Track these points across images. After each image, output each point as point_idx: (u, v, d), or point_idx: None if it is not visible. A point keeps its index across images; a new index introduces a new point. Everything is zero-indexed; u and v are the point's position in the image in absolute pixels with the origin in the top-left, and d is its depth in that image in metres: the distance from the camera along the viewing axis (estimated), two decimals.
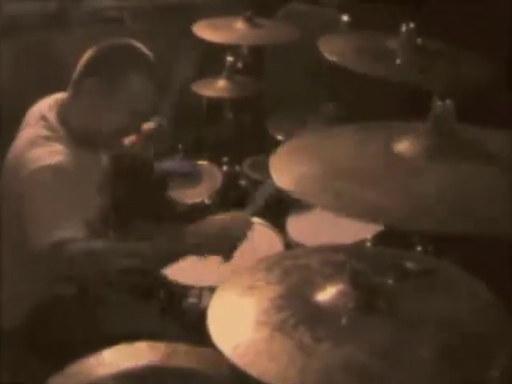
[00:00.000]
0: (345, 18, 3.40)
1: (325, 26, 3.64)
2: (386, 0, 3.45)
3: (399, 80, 2.35)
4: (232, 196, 3.34)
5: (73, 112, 2.37)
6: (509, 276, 2.47)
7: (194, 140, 3.79)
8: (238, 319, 1.36)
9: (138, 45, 2.43)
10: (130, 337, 1.78)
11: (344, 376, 1.19)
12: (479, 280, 1.46)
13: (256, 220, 2.74)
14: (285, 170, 1.43)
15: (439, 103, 1.41)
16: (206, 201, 3.14)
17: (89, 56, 2.39)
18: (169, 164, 3.38)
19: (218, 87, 3.54)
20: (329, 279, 1.39)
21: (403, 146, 1.41)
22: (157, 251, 2.25)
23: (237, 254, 2.44)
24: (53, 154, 2.24)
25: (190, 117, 3.86)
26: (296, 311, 1.33)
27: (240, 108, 3.78)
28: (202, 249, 2.26)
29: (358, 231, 2.48)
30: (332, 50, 2.45)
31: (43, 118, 2.36)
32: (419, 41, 2.42)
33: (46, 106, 2.42)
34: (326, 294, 1.35)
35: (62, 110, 2.38)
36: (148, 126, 2.84)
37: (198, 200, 3.14)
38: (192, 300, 2.46)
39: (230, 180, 3.39)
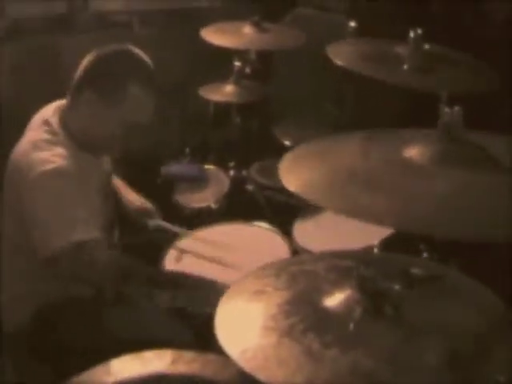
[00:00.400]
0: (352, 23, 3.40)
1: (332, 31, 3.64)
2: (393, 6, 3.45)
3: (407, 85, 2.36)
4: (239, 201, 3.34)
5: (72, 118, 2.37)
6: None
7: (201, 144, 3.79)
8: (245, 324, 1.36)
9: (138, 52, 2.41)
10: (137, 341, 1.78)
11: (352, 381, 1.19)
12: (485, 286, 1.46)
13: (263, 225, 2.75)
14: (294, 175, 1.44)
15: (447, 110, 1.41)
16: (213, 205, 3.14)
17: (87, 64, 2.38)
18: (176, 168, 3.38)
19: (225, 92, 3.54)
20: (336, 285, 1.39)
21: (412, 152, 1.42)
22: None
23: (244, 260, 2.46)
24: (55, 157, 2.25)
25: (198, 121, 3.87)
26: (304, 317, 1.33)
27: (247, 113, 3.78)
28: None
29: (365, 237, 2.47)
30: (340, 55, 2.45)
31: (46, 122, 2.37)
32: (427, 46, 2.43)
33: (50, 110, 2.43)
34: (334, 300, 1.35)
35: (63, 116, 2.39)
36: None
37: (204, 204, 3.14)
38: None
39: (237, 184, 3.38)
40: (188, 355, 1.66)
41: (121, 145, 2.45)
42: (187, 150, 3.52)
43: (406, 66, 2.37)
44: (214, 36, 3.32)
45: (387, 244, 2.47)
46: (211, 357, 1.63)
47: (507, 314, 1.37)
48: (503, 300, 1.41)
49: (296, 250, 2.59)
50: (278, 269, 1.53)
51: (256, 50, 3.58)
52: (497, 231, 1.24)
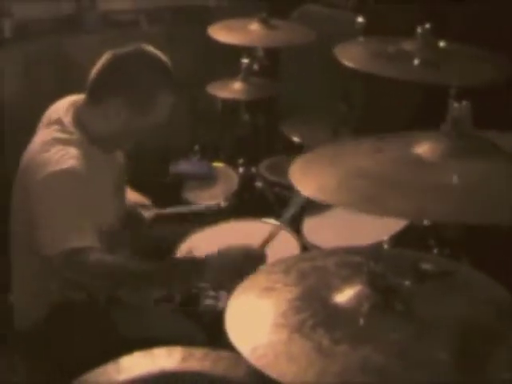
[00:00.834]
0: (360, 19, 3.39)
1: (339, 28, 3.64)
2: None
3: (418, 80, 2.35)
4: (248, 198, 3.34)
5: (95, 122, 2.36)
6: None
7: (210, 142, 3.79)
8: (256, 321, 1.36)
9: (156, 52, 2.40)
10: (146, 340, 1.78)
11: (362, 377, 1.19)
12: (496, 281, 1.46)
13: (272, 222, 2.74)
14: (307, 179, 1.44)
15: (456, 105, 1.41)
16: (222, 203, 3.14)
17: (107, 66, 2.36)
18: (185, 166, 3.39)
19: (233, 89, 3.54)
20: (346, 281, 1.39)
21: (423, 149, 1.42)
22: (169, 281, 2.29)
23: None
24: (67, 157, 2.24)
25: (206, 119, 3.87)
26: (314, 313, 1.33)
27: (255, 110, 3.78)
28: (213, 284, 2.33)
29: (374, 233, 2.47)
30: (350, 56, 2.45)
31: (58, 120, 2.36)
32: (436, 41, 2.42)
33: (61, 108, 2.41)
34: (344, 296, 1.35)
35: (79, 115, 2.38)
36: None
37: (213, 202, 3.14)
38: (209, 302, 2.46)
39: (246, 182, 3.38)
40: (199, 352, 1.66)
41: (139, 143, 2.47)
42: (196, 147, 3.52)
43: (416, 62, 2.36)
44: (222, 33, 3.32)
45: (397, 240, 2.46)
46: (222, 354, 1.64)
47: None
48: None
49: (305, 247, 2.59)
50: (287, 265, 1.53)
51: (264, 46, 3.58)
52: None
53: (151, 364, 1.64)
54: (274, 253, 2.34)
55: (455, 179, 1.32)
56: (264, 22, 3.39)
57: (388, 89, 2.93)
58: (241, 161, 3.57)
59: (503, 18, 3.01)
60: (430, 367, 1.21)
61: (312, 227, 2.72)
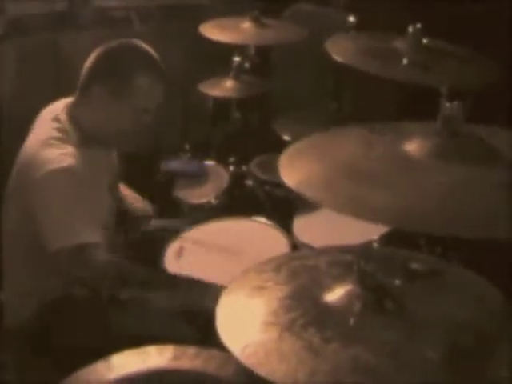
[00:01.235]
0: (351, 18, 3.39)
1: (331, 26, 3.63)
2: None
3: (406, 80, 2.36)
4: (239, 196, 3.34)
5: (83, 115, 2.39)
6: None
7: (201, 140, 3.79)
8: (246, 320, 1.36)
9: (142, 44, 2.44)
10: (138, 338, 1.78)
11: (353, 376, 1.19)
12: (487, 280, 1.47)
13: (263, 220, 2.75)
14: (294, 170, 1.44)
15: (447, 104, 1.41)
16: (213, 201, 3.14)
17: (94, 60, 2.40)
18: (176, 164, 3.38)
19: (225, 87, 3.54)
20: (337, 280, 1.39)
21: (412, 147, 1.42)
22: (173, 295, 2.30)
23: (245, 254, 2.46)
24: (65, 156, 2.25)
25: (197, 117, 3.87)
26: (304, 312, 1.33)
27: (247, 108, 3.78)
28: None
29: (365, 232, 2.47)
30: (339, 50, 2.45)
31: (56, 119, 2.38)
32: (426, 41, 2.43)
33: (59, 107, 2.43)
34: (335, 295, 1.35)
35: (73, 112, 2.39)
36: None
37: (204, 200, 3.14)
38: None
39: (237, 180, 3.38)
40: (190, 351, 1.66)
41: (132, 138, 2.46)
42: (187, 145, 3.52)
43: (405, 61, 2.37)
44: (214, 31, 3.32)
45: (387, 238, 2.47)
46: (213, 352, 1.64)
47: (509, 308, 1.37)
48: (505, 294, 1.42)
49: (296, 245, 2.59)
50: (278, 264, 1.53)
51: (255, 45, 3.58)
52: (497, 227, 1.23)
53: (142, 362, 1.64)
54: (264, 251, 2.34)
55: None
56: (256, 20, 3.39)
57: (378, 87, 2.94)
58: (232, 159, 3.57)
59: (494, 19, 3.01)
60: (421, 367, 1.21)
61: (302, 226, 2.73)
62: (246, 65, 3.61)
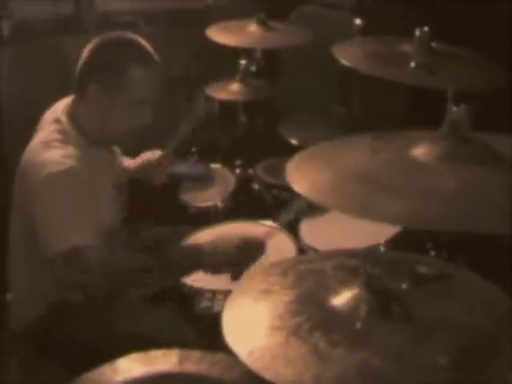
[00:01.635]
0: (358, 21, 3.39)
1: (337, 29, 3.64)
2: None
3: (414, 83, 2.35)
4: (245, 199, 3.34)
5: (82, 114, 2.38)
6: None
7: (208, 143, 3.79)
8: (252, 324, 1.36)
9: (131, 35, 2.42)
10: (143, 342, 1.78)
11: (359, 380, 1.19)
12: (493, 283, 1.46)
13: (269, 224, 2.74)
14: (302, 177, 1.43)
15: (454, 108, 1.41)
16: (219, 204, 3.14)
17: (86, 56, 2.39)
18: (182, 167, 3.38)
19: (231, 90, 3.54)
20: (343, 284, 1.39)
21: (419, 151, 1.42)
22: (171, 268, 2.29)
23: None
24: (66, 157, 2.25)
25: (204, 120, 3.87)
26: (311, 316, 1.33)
27: (253, 111, 3.78)
28: (214, 268, 2.32)
29: (371, 236, 2.47)
30: (346, 56, 2.45)
31: (57, 120, 2.37)
32: (433, 44, 2.42)
33: (60, 108, 2.43)
34: (341, 299, 1.35)
35: (71, 112, 2.39)
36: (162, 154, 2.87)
37: (210, 203, 3.14)
38: (204, 304, 2.45)
39: (243, 183, 3.38)
40: (195, 354, 1.66)
41: (131, 132, 2.45)
42: (193, 149, 3.52)
43: (412, 64, 2.36)
44: (220, 35, 3.32)
45: (394, 242, 2.46)
46: (219, 356, 1.63)
47: None
48: (511, 297, 1.41)
49: (302, 249, 2.59)
50: (284, 268, 1.53)
51: (261, 48, 3.57)
52: (505, 226, 1.23)
53: (148, 366, 1.64)
54: (271, 255, 2.34)
55: None
56: (262, 23, 3.39)
57: (385, 90, 2.93)
58: (238, 162, 3.57)
59: (500, 23, 3.00)
60: (428, 371, 1.21)
61: (309, 230, 2.72)
62: (253, 68, 3.61)
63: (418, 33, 2.41)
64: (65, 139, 2.32)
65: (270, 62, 3.76)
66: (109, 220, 2.42)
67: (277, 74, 4.21)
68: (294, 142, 3.41)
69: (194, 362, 1.63)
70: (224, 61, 3.52)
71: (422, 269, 1.41)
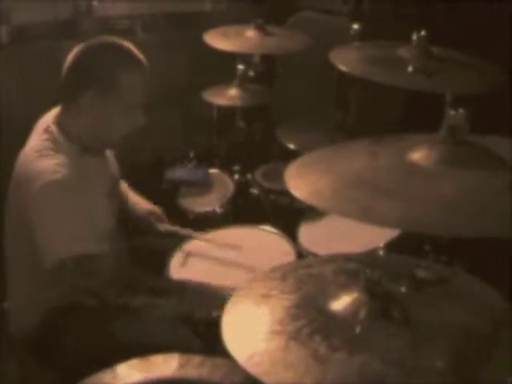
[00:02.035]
0: (355, 26, 3.39)
1: (335, 34, 3.64)
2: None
3: (411, 87, 2.35)
4: (243, 204, 3.34)
5: (72, 123, 2.36)
6: None
7: (206, 148, 3.79)
8: (252, 328, 1.36)
9: (116, 40, 2.40)
10: (143, 347, 1.78)
11: None
12: (492, 287, 1.46)
13: (268, 229, 2.74)
14: (302, 183, 1.44)
15: (452, 112, 1.41)
16: (218, 209, 3.14)
17: (72, 63, 2.37)
18: (180, 172, 3.38)
19: (229, 95, 3.54)
20: (343, 288, 1.39)
21: (418, 155, 1.42)
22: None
23: (250, 264, 2.46)
24: (58, 166, 2.24)
25: (202, 125, 3.87)
26: (311, 320, 1.33)
27: (251, 116, 3.78)
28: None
29: (370, 240, 2.47)
30: (343, 61, 2.45)
31: (47, 130, 2.36)
32: (431, 48, 2.43)
33: (50, 117, 2.42)
34: (341, 303, 1.35)
35: (61, 122, 2.38)
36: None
37: (209, 208, 3.14)
38: None
39: (242, 188, 3.38)
40: (196, 359, 1.66)
41: (122, 136, 2.44)
42: (191, 154, 3.52)
43: (410, 69, 2.37)
44: (218, 40, 3.32)
45: (393, 246, 2.46)
46: (219, 361, 1.63)
47: None
48: (510, 301, 1.41)
49: (301, 254, 2.59)
50: (284, 272, 1.53)
51: (260, 53, 3.58)
52: (504, 230, 1.24)
53: (148, 371, 1.64)
54: (269, 260, 2.34)
55: None
56: (260, 28, 3.39)
57: (383, 95, 2.93)
58: (236, 167, 3.57)
59: (498, 26, 3.01)
60: (428, 374, 1.21)
61: (308, 234, 2.72)
62: (250, 73, 3.61)
63: (415, 37, 2.41)
64: (56, 148, 2.31)
65: (267, 68, 3.77)
66: (104, 225, 2.42)
67: (275, 80, 4.21)
68: (292, 147, 3.41)
69: (195, 366, 1.63)
70: (222, 66, 3.51)
71: (422, 273, 1.41)
